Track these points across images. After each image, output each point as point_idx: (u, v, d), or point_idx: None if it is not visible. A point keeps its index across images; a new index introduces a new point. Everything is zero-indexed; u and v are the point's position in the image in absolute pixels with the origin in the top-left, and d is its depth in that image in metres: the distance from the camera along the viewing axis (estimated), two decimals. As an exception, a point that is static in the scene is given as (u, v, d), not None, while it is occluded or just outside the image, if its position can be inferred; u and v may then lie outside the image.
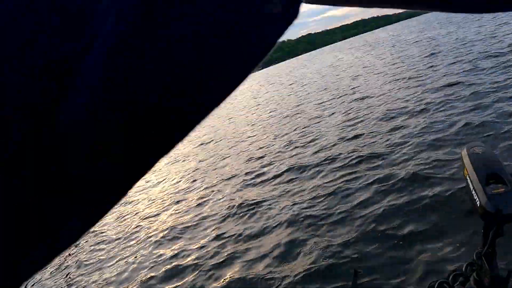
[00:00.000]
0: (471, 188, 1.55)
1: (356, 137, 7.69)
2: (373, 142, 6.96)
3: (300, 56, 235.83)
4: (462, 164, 1.67)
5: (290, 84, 29.59)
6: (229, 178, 7.81)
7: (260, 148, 9.80)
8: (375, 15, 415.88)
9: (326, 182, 5.72)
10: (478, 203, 1.48)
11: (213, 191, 7.35)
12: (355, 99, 12.18)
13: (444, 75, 10.81)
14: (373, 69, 18.95)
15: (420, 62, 15.31)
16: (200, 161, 10.82)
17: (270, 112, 16.73)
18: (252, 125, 14.50)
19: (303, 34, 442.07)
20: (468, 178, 1.60)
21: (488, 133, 5.47)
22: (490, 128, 5.64)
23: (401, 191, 4.58)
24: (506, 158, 4.39)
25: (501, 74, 8.80)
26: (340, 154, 6.85)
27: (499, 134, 5.32)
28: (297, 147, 8.61)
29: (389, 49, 29.14)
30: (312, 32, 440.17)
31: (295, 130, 10.68)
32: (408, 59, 18.08)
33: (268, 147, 9.54)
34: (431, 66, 13.13)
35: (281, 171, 7.06)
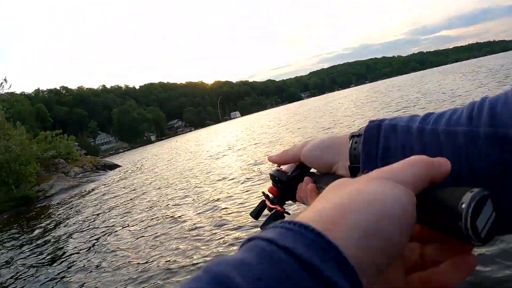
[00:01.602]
0: None
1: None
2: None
3: (407, 75, 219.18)
4: None
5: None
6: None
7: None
8: (491, 40, 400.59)
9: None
10: None
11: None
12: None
13: None
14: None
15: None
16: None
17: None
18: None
19: (414, 52, 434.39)
20: None
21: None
22: None
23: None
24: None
25: None
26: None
27: None
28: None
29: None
30: (424, 51, 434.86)
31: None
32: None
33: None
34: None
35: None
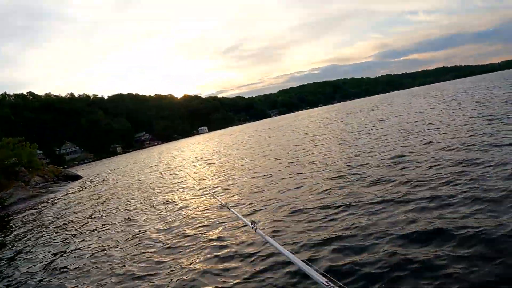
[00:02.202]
0: None
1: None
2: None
3: (375, 96, 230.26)
4: None
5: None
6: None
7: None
8: (458, 64, 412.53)
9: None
10: None
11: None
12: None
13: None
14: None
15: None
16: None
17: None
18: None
19: (383, 74, 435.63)
20: None
21: None
22: None
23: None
24: None
25: None
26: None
27: None
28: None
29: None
30: (392, 74, 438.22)
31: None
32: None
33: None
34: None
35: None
